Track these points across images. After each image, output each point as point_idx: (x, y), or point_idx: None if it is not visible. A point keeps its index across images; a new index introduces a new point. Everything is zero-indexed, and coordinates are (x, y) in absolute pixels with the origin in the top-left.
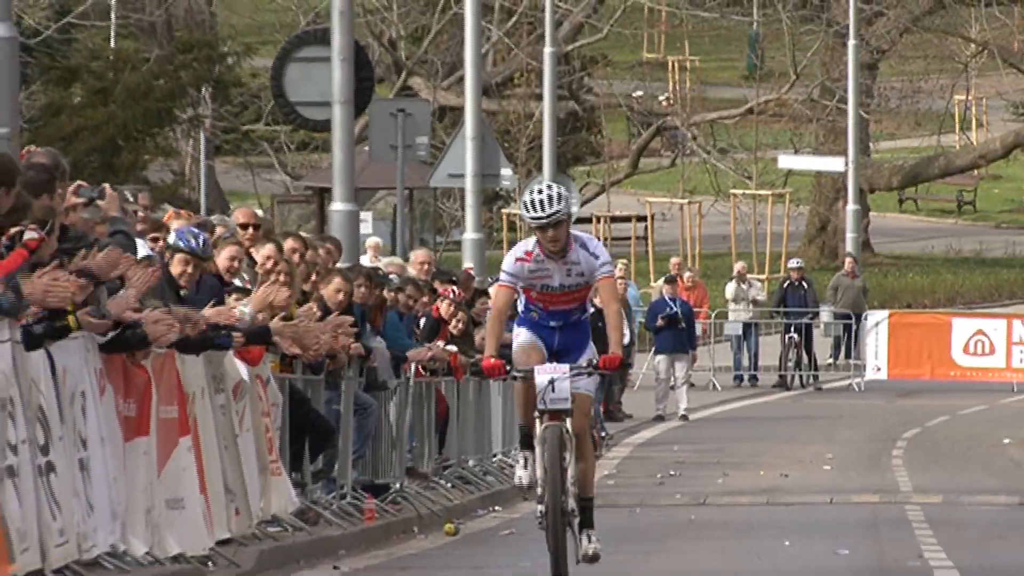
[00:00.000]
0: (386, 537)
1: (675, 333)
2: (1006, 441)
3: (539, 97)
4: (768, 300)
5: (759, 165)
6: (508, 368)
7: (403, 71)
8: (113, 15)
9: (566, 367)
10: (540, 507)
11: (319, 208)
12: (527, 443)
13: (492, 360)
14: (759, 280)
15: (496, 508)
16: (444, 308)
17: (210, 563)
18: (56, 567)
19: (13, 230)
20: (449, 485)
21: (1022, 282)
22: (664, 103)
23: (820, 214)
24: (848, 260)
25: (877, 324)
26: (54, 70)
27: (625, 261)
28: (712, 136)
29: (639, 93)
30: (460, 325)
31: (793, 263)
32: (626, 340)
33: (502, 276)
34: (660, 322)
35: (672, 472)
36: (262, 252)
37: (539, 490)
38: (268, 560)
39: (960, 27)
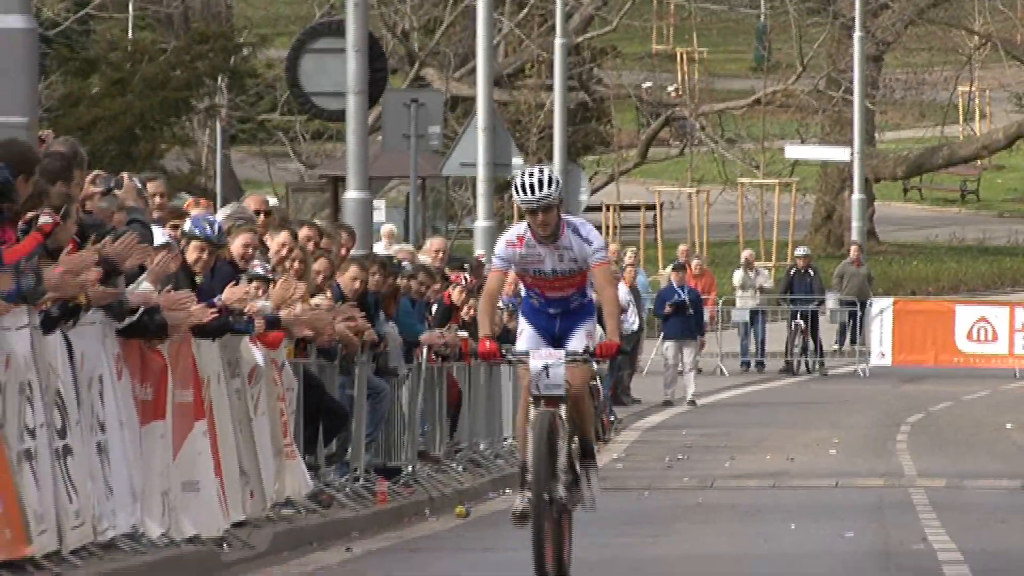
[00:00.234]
0: (398, 519)
1: (683, 320)
2: (1008, 426)
3: (550, 88)
4: (775, 287)
5: (766, 155)
6: (503, 352)
7: (416, 62)
8: (131, 7)
9: (561, 353)
10: (528, 494)
11: (333, 196)
12: (525, 481)
13: (488, 344)
14: (766, 268)
15: (507, 491)
16: (456, 295)
17: (225, 544)
18: (72, 548)
19: (29, 215)
20: (460, 468)
21: None
22: (673, 94)
23: (826, 203)
24: (853, 248)
25: (882, 311)
26: (73, 61)
27: (634, 249)
28: (720, 126)
29: (648, 84)
30: (471, 311)
31: (799, 251)
32: (635, 326)
33: (494, 260)
34: (668, 309)
35: (680, 456)
36: (277, 240)
37: (528, 476)
38: (282, 542)
39: (964, 20)
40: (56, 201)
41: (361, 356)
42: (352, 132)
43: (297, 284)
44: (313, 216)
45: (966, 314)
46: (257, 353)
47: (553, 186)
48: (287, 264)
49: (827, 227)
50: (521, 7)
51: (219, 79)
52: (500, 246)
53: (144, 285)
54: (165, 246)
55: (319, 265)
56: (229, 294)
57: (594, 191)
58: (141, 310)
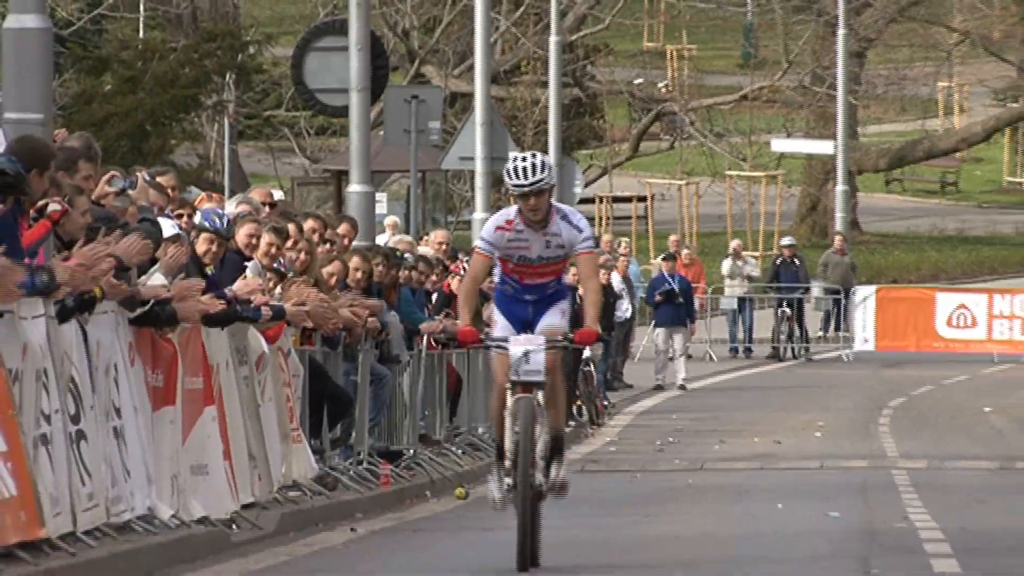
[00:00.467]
0: (400, 501)
1: (673, 307)
2: (987, 409)
3: (545, 84)
4: (762, 276)
5: (753, 148)
6: (482, 337)
7: (416, 60)
8: (142, 7)
9: (541, 339)
10: (508, 480)
11: (337, 190)
12: (501, 456)
13: (466, 328)
14: (753, 257)
15: None
16: (455, 284)
17: (234, 525)
18: (85, 530)
19: (40, 203)
20: (460, 451)
21: (1002, 259)
22: (663, 90)
23: (811, 195)
24: (837, 238)
25: (865, 299)
26: (86, 59)
27: (627, 239)
28: (709, 121)
29: (639, 80)
30: None
31: (785, 241)
32: (628, 314)
33: (480, 244)
34: (659, 297)
35: (671, 439)
36: (264, 239)
37: (508, 463)
38: (289, 523)
39: (943, 17)
40: (67, 192)
41: (364, 344)
42: (355, 127)
43: (310, 291)
44: (317, 209)
45: (946, 301)
46: (263, 341)
47: (545, 171)
48: (293, 255)
49: (812, 218)
50: (517, 6)
51: (227, 76)
52: (488, 229)
53: (156, 276)
54: (176, 238)
55: (332, 268)
56: (241, 286)
57: (588, 184)
58: (152, 301)
